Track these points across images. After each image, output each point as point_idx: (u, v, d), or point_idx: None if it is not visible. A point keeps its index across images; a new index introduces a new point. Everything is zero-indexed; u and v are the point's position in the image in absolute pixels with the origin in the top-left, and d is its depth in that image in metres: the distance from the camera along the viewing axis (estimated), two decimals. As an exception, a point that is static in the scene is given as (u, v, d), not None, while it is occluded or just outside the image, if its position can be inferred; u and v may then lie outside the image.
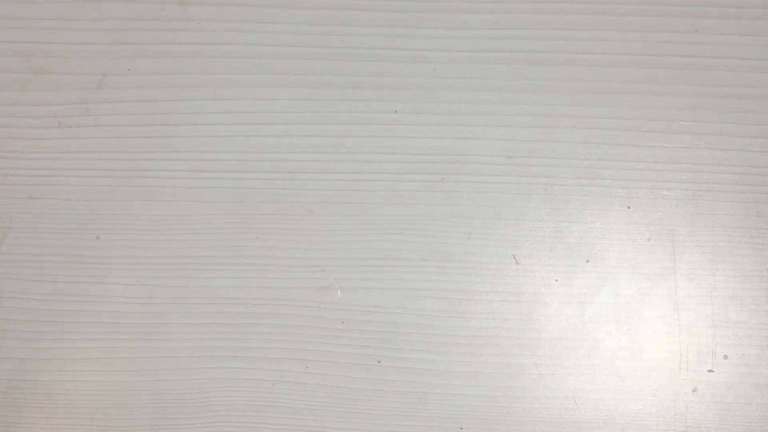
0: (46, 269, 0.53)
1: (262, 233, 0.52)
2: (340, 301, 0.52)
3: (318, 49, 0.52)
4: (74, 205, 0.53)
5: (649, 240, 0.51)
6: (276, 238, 0.52)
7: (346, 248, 0.52)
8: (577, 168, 0.52)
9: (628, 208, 0.52)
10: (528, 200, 0.52)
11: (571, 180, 0.52)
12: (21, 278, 0.53)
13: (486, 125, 0.52)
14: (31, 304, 0.53)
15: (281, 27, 0.52)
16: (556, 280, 0.52)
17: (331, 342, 0.52)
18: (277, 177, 0.52)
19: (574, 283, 0.52)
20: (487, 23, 0.52)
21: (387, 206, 0.52)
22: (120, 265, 0.53)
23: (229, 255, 0.52)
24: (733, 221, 0.51)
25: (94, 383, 0.53)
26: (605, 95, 0.51)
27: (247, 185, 0.52)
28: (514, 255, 0.52)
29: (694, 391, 0.51)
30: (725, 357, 0.51)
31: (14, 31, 0.53)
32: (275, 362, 0.52)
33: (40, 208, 0.53)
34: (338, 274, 0.52)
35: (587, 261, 0.52)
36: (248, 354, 0.52)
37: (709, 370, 0.51)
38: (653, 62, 0.51)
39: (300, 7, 0.52)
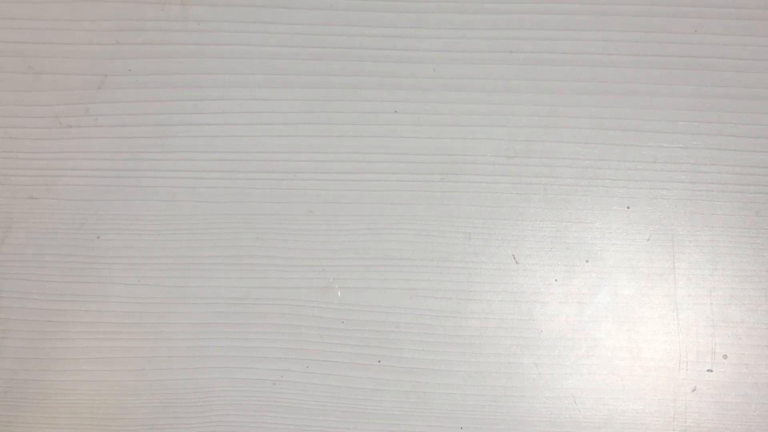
0: (46, 269, 0.53)
1: (262, 233, 0.52)
2: (340, 301, 0.52)
3: (318, 49, 0.52)
4: (74, 205, 0.53)
5: (648, 240, 0.52)
6: (276, 238, 0.52)
7: (346, 248, 0.52)
8: (577, 168, 0.52)
9: (628, 208, 0.52)
10: (528, 200, 0.52)
11: (571, 180, 0.52)
12: (21, 278, 0.53)
13: (486, 125, 0.52)
14: (31, 304, 0.53)
15: (281, 27, 0.52)
16: (556, 280, 0.52)
17: (331, 342, 0.52)
18: (277, 177, 0.52)
19: (573, 283, 0.52)
20: (487, 23, 0.52)
21: (387, 206, 0.52)
22: (120, 265, 0.53)
23: (229, 255, 0.52)
24: (732, 221, 0.51)
25: (94, 383, 0.53)
26: (605, 95, 0.52)
27: (247, 185, 0.52)
28: (513, 255, 0.52)
29: (693, 390, 0.51)
30: (724, 357, 0.51)
31: (14, 32, 0.53)
32: (275, 362, 0.52)
33: (40, 208, 0.53)
34: (338, 274, 0.52)
35: (587, 261, 0.52)
36: (248, 354, 0.52)
37: (708, 370, 0.51)
38: (653, 62, 0.51)
39: (300, 8, 0.52)
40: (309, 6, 0.52)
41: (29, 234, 0.53)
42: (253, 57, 0.52)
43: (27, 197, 0.53)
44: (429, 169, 0.52)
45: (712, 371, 0.51)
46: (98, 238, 0.53)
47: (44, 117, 0.53)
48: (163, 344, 0.53)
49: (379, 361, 0.52)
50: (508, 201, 0.52)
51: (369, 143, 0.52)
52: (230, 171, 0.52)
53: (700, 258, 0.51)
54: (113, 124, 0.53)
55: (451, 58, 0.52)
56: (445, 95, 0.52)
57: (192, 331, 0.53)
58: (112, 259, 0.53)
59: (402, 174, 0.52)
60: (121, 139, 0.53)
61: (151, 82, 0.53)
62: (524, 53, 0.52)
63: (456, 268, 0.52)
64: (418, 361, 0.52)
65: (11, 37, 0.53)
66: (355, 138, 0.52)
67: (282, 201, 0.52)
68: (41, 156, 0.53)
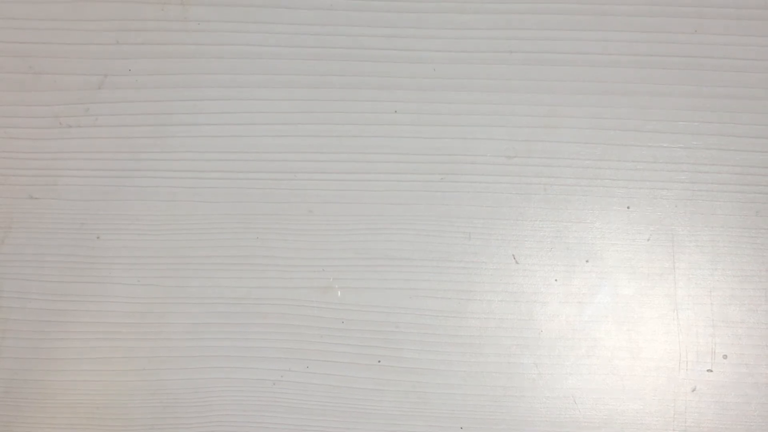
0: (46, 269, 0.53)
1: (262, 233, 0.52)
2: (340, 301, 0.52)
3: (318, 49, 0.52)
4: (74, 205, 0.53)
5: (648, 240, 0.52)
6: (276, 238, 0.52)
7: (346, 248, 0.52)
8: (577, 168, 0.52)
9: (628, 208, 0.52)
10: (528, 200, 0.52)
11: (571, 180, 0.52)
12: (21, 278, 0.53)
13: (486, 125, 0.52)
14: (31, 304, 0.53)
15: (281, 27, 0.52)
16: (556, 280, 0.52)
17: (332, 342, 0.52)
18: (277, 177, 0.52)
19: (573, 283, 0.52)
20: (487, 23, 0.52)
21: (387, 206, 0.52)
22: (120, 265, 0.53)
23: (229, 255, 0.52)
24: (732, 221, 0.51)
25: (94, 383, 0.53)
26: (605, 95, 0.52)
27: (247, 185, 0.52)
28: (513, 255, 0.52)
29: (693, 390, 0.51)
30: (724, 357, 0.51)
31: (14, 31, 0.53)
32: (275, 362, 0.52)
33: (40, 208, 0.53)
34: (338, 274, 0.52)
35: (587, 261, 0.52)
36: (248, 354, 0.52)
37: (708, 370, 0.51)
38: (653, 62, 0.51)
39: (300, 8, 0.52)
40: (309, 6, 0.52)
41: (29, 234, 0.53)
42: (253, 57, 0.52)
43: (27, 197, 0.53)
44: (429, 169, 0.52)
45: (712, 371, 0.51)
46: (98, 238, 0.53)
47: (44, 117, 0.53)
48: (163, 344, 0.53)
49: (379, 361, 0.52)
50: (508, 201, 0.52)
51: (369, 143, 0.52)
52: (230, 171, 0.52)
53: (700, 258, 0.51)
54: (113, 124, 0.53)
55: (451, 58, 0.52)
56: (445, 95, 0.52)
57: (192, 331, 0.53)
58: (112, 259, 0.53)
59: (402, 174, 0.52)
60: (121, 139, 0.53)
61: (151, 82, 0.53)
62: (524, 53, 0.52)
63: (456, 268, 0.52)
64: (418, 361, 0.52)
65: (11, 37, 0.53)
66: (355, 138, 0.52)
67: (282, 201, 0.52)
68: (41, 156, 0.53)
